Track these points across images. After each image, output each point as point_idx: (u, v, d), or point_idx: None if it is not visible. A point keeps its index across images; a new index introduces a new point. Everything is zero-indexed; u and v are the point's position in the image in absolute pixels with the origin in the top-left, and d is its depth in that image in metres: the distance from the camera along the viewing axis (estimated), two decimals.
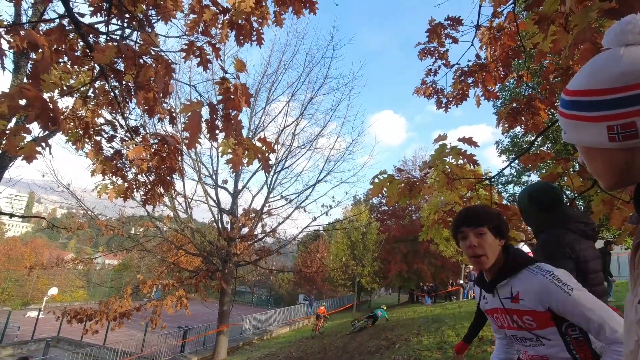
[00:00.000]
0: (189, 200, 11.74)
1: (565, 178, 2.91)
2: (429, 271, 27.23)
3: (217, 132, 2.56)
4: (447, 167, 2.77)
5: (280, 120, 14.16)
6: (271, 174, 12.08)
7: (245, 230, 11.26)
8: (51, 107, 1.91)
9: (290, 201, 12.07)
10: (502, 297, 1.43)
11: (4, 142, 2.21)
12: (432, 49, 3.77)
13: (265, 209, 11.57)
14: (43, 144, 2.59)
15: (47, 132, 3.22)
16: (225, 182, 12.02)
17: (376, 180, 2.67)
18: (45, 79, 2.21)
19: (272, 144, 2.67)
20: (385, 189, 2.68)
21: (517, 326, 1.41)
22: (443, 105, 4.02)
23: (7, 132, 2.20)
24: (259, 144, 2.61)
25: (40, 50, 1.99)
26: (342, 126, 38.63)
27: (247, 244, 10.91)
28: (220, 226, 11.58)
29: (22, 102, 1.97)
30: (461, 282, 22.74)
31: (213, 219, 11.85)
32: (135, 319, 9.93)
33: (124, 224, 11.59)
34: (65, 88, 3.09)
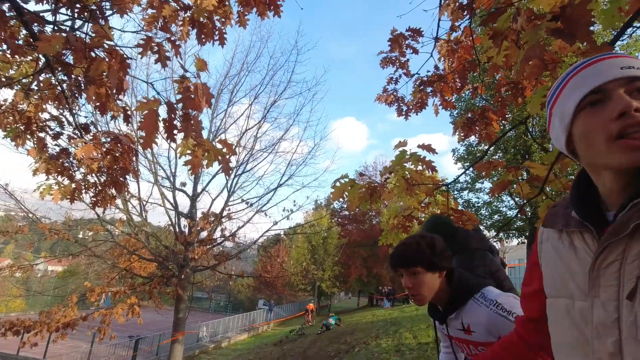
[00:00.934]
0: (144, 202, 11.17)
1: (515, 185, 3.09)
2: (388, 275, 27.87)
3: (175, 132, 2.45)
4: (407, 172, 2.84)
5: (242, 123, 13.90)
6: (232, 177, 11.81)
7: (203, 234, 10.87)
8: None
9: (251, 205, 11.83)
10: (454, 328, 1.45)
11: None
12: (393, 58, 3.87)
13: (225, 213, 11.26)
14: None
15: None
16: (183, 184, 11.57)
17: (337, 184, 2.68)
18: None
19: (233, 146, 2.60)
20: (346, 193, 2.69)
21: (475, 354, 1.42)
22: (403, 113, 4.13)
23: None
24: (219, 146, 2.54)
25: None
26: (304, 130, 38.81)
27: (205, 248, 10.54)
28: (177, 230, 11.12)
29: None
30: None
31: (170, 222, 11.35)
32: (82, 330, 9.28)
33: (71, 227, 10.77)
34: (3, 79, 2.83)
